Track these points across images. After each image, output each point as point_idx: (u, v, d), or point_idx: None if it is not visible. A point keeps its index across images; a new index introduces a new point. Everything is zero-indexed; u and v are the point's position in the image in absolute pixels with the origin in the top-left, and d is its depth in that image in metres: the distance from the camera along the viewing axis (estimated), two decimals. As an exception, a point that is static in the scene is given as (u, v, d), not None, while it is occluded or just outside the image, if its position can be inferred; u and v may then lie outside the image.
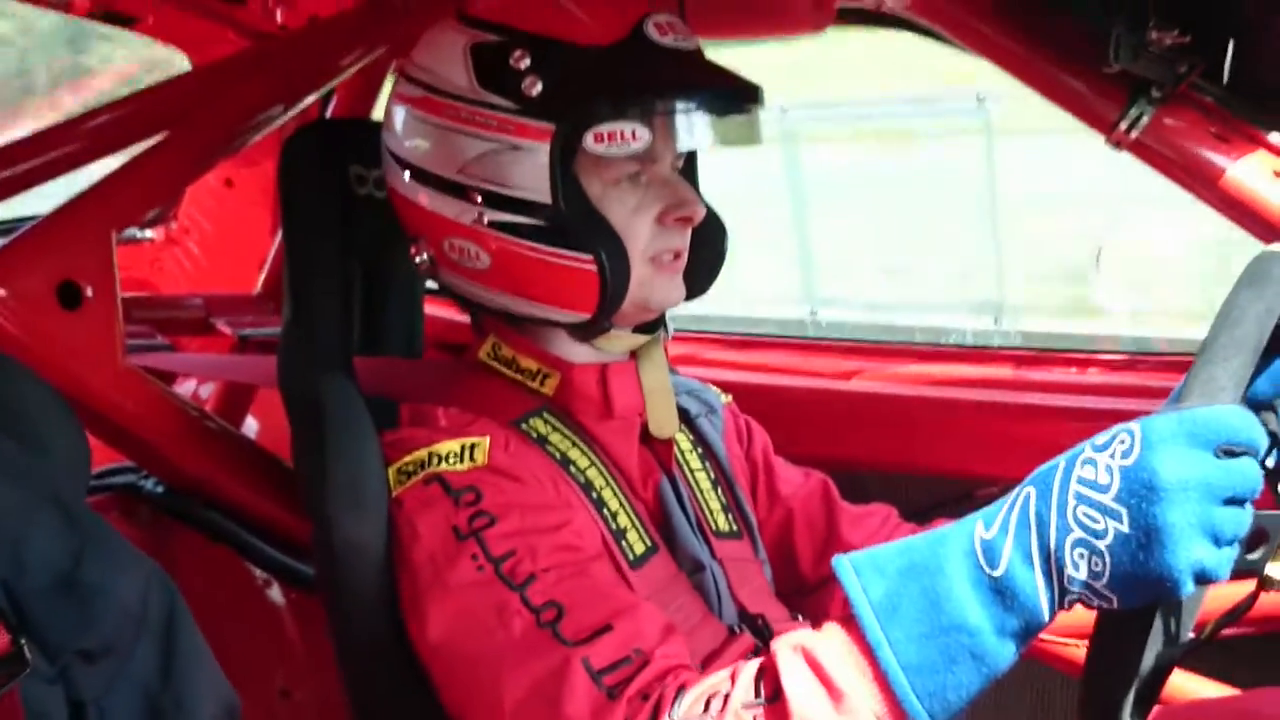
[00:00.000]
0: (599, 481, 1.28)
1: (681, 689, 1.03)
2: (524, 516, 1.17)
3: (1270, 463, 0.89)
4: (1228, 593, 0.92)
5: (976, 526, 0.91)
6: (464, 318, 1.41)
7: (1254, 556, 0.89)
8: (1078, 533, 0.86)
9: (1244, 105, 1.34)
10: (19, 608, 1.03)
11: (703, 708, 1.00)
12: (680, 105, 1.23)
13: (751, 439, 1.55)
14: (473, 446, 1.21)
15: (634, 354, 1.35)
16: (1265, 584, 0.89)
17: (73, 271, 1.48)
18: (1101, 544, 0.85)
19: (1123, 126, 1.35)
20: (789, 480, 1.54)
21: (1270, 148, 1.33)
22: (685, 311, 1.40)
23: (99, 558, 1.10)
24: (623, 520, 1.27)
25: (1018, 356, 2.15)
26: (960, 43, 1.47)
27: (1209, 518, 0.82)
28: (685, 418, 1.43)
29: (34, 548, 1.05)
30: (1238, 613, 0.93)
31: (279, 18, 2.07)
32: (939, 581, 0.90)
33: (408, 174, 1.29)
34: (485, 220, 1.24)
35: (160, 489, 1.81)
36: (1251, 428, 0.85)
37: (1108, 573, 0.85)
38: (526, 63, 1.21)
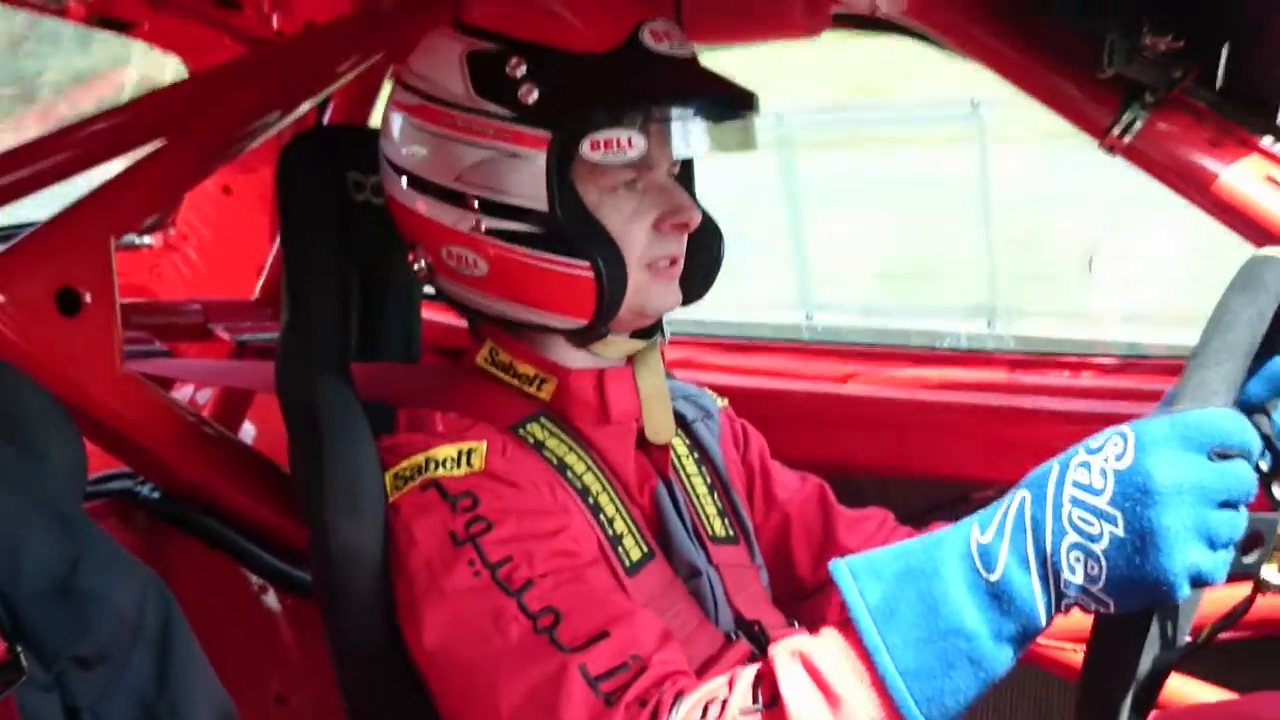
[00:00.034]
0: (596, 487, 1.28)
1: (679, 695, 1.03)
2: (521, 522, 1.17)
3: (1264, 465, 0.89)
4: (1224, 596, 0.92)
5: (972, 530, 0.91)
6: (461, 323, 1.41)
7: (1249, 559, 0.89)
8: (1073, 536, 0.86)
9: (1237, 110, 1.34)
10: (14, 614, 1.03)
11: (700, 714, 1.00)
12: (676, 112, 1.23)
13: (748, 443, 1.55)
14: (470, 452, 1.21)
15: (630, 359, 1.36)
16: (1261, 587, 0.89)
17: (71, 278, 1.48)
18: (1097, 547, 0.85)
19: (1116, 131, 1.35)
20: (785, 485, 1.54)
21: (1263, 153, 1.33)
22: (682, 315, 1.40)
23: (95, 565, 1.10)
24: (619, 526, 1.27)
25: (1012, 360, 2.15)
26: (954, 47, 1.47)
27: (1204, 521, 0.83)
28: (682, 423, 1.44)
29: (30, 555, 1.05)
30: (1234, 616, 0.93)
31: (275, 24, 2.08)
32: (936, 585, 0.90)
33: (405, 181, 1.29)
34: (483, 227, 1.24)
35: (157, 495, 1.81)
36: (1244, 430, 0.85)
37: (1104, 576, 0.85)
38: (522, 70, 1.21)
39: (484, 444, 1.22)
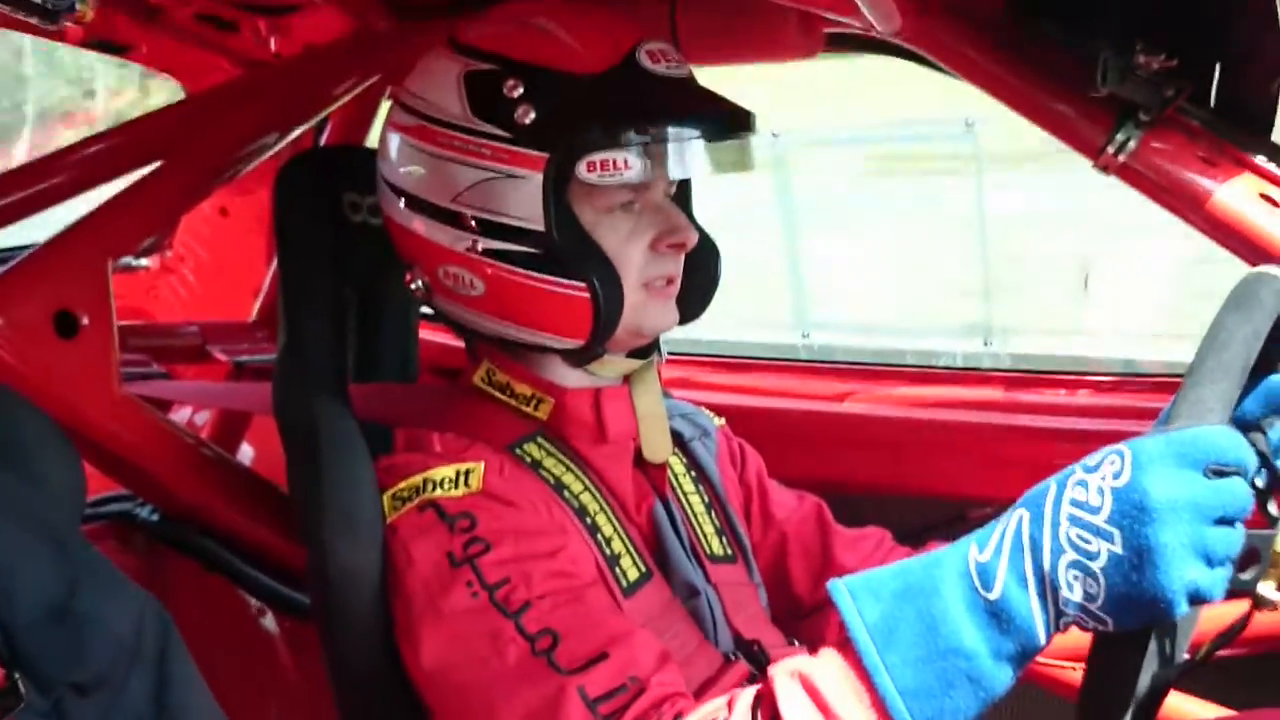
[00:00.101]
0: (593, 506, 1.28)
1: (678, 716, 1.03)
2: (519, 543, 1.17)
3: (1259, 482, 0.90)
4: (1221, 613, 0.92)
5: (970, 549, 0.91)
6: (458, 342, 1.41)
7: (1246, 576, 0.89)
8: (1071, 554, 0.86)
9: (1231, 128, 1.35)
10: (12, 641, 1.02)
11: None
12: (672, 132, 1.23)
13: (745, 462, 1.55)
14: (468, 472, 1.21)
15: (627, 378, 1.36)
16: (1258, 603, 0.89)
17: (69, 300, 1.48)
18: (1095, 565, 0.85)
19: (1110, 150, 1.36)
20: (783, 504, 1.54)
21: (1257, 170, 1.34)
22: (679, 334, 1.40)
23: (92, 589, 1.10)
24: (617, 546, 1.27)
25: (1008, 378, 2.15)
26: (947, 68, 1.47)
27: (1200, 538, 0.83)
28: (679, 442, 1.44)
29: (27, 581, 1.05)
30: (1232, 633, 0.93)
31: (273, 46, 2.08)
32: (935, 604, 0.90)
33: (402, 201, 1.30)
34: (479, 248, 1.24)
35: (156, 517, 1.81)
36: (1240, 447, 0.86)
37: (1102, 594, 0.85)
38: (519, 91, 1.22)
39: (482, 464, 1.22)
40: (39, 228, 1.62)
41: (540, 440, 1.30)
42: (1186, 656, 0.99)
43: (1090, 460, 0.88)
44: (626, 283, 1.25)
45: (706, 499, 1.43)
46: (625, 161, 1.19)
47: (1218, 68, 1.33)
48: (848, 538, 1.52)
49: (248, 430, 2.13)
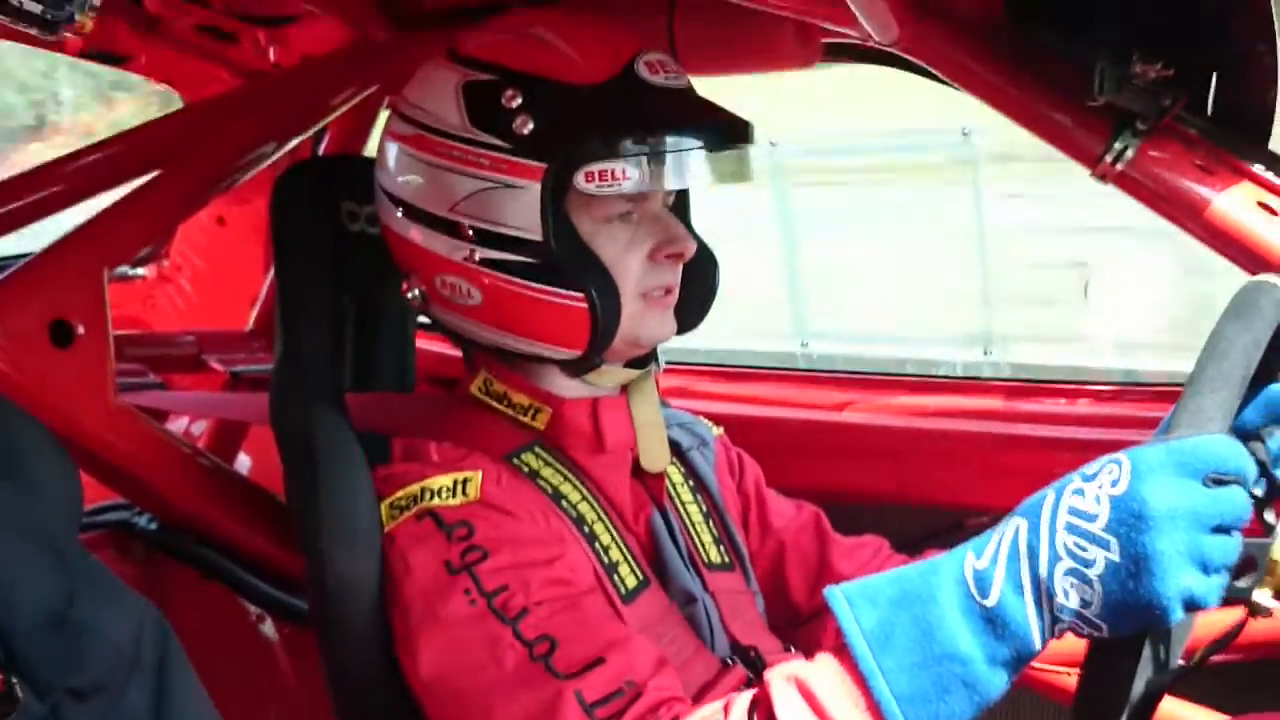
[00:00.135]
0: (591, 515, 1.28)
1: (674, 720, 1.04)
2: (516, 551, 1.17)
3: (1258, 491, 0.90)
4: (1217, 620, 0.92)
5: (967, 556, 0.91)
6: (456, 352, 1.41)
7: (1242, 584, 0.89)
8: (1068, 562, 0.86)
9: (1228, 137, 1.35)
10: (9, 647, 1.02)
11: None
12: (670, 142, 1.23)
13: (743, 471, 1.56)
14: (465, 481, 1.22)
15: (625, 388, 1.36)
16: (1253, 611, 0.89)
17: (65, 309, 1.48)
18: (1091, 573, 0.85)
19: (1107, 159, 1.36)
20: (781, 512, 1.54)
21: (1254, 179, 1.34)
22: (677, 344, 1.40)
23: (91, 597, 1.10)
24: (614, 554, 1.27)
25: (1008, 388, 2.15)
26: (945, 77, 1.48)
27: (1197, 546, 0.83)
28: (677, 451, 1.44)
29: (25, 589, 1.05)
30: (1226, 639, 0.93)
31: (272, 56, 2.08)
32: (931, 610, 0.90)
33: (400, 211, 1.30)
34: (477, 257, 1.24)
35: (153, 526, 1.81)
36: (1239, 457, 0.86)
37: (1098, 601, 0.85)
38: (518, 102, 1.22)
39: (479, 473, 1.22)
40: (36, 237, 1.62)
41: (538, 450, 1.30)
42: (1181, 662, 0.99)
43: (1089, 469, 0.88)
44: (624, 293, 1.25)
45: (704, 508, 1.43)
46: (624, 172, 1.20)
47: (1215, 76, 1.33)
48: (845, 546, 1.52)
49: (245, 440, 2.13)
